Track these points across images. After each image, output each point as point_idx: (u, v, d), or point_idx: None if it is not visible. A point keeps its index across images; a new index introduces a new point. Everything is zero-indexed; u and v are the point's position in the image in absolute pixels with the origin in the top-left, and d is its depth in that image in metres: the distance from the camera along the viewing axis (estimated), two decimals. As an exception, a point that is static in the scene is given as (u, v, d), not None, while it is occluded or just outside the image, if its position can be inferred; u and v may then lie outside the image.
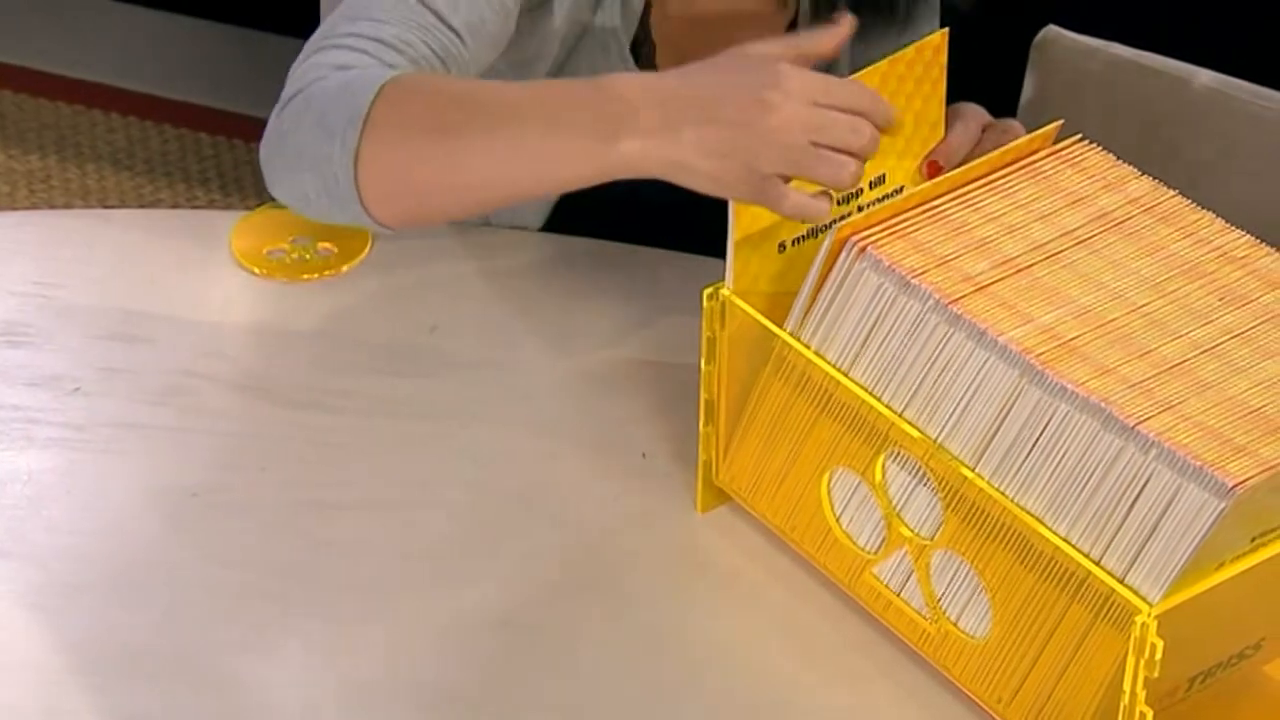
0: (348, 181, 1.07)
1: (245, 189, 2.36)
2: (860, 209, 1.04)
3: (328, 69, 1.10)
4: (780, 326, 1.00)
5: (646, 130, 0.99)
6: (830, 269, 0.97)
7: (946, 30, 1.04)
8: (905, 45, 1.04)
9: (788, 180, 0.97)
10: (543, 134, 1.03)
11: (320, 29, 1.13)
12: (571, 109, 1.03)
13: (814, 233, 1.03)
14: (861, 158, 0.97)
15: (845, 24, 1.03)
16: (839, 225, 0.97)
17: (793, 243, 1.02)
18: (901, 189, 1.05)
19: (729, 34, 1.09)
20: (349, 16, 1.13)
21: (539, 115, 1.04)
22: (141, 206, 2.33)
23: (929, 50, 1.03)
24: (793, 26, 1.29)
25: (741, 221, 0.99)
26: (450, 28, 1.13)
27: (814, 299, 0.98)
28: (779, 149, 0.96)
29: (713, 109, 0.98)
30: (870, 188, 1.04)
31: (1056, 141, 1.03)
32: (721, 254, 1.02)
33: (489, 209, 1.18)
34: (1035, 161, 1.01)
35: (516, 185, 1.07)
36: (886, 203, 0.98)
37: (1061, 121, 1.03)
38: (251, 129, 2.46)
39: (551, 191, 1.13)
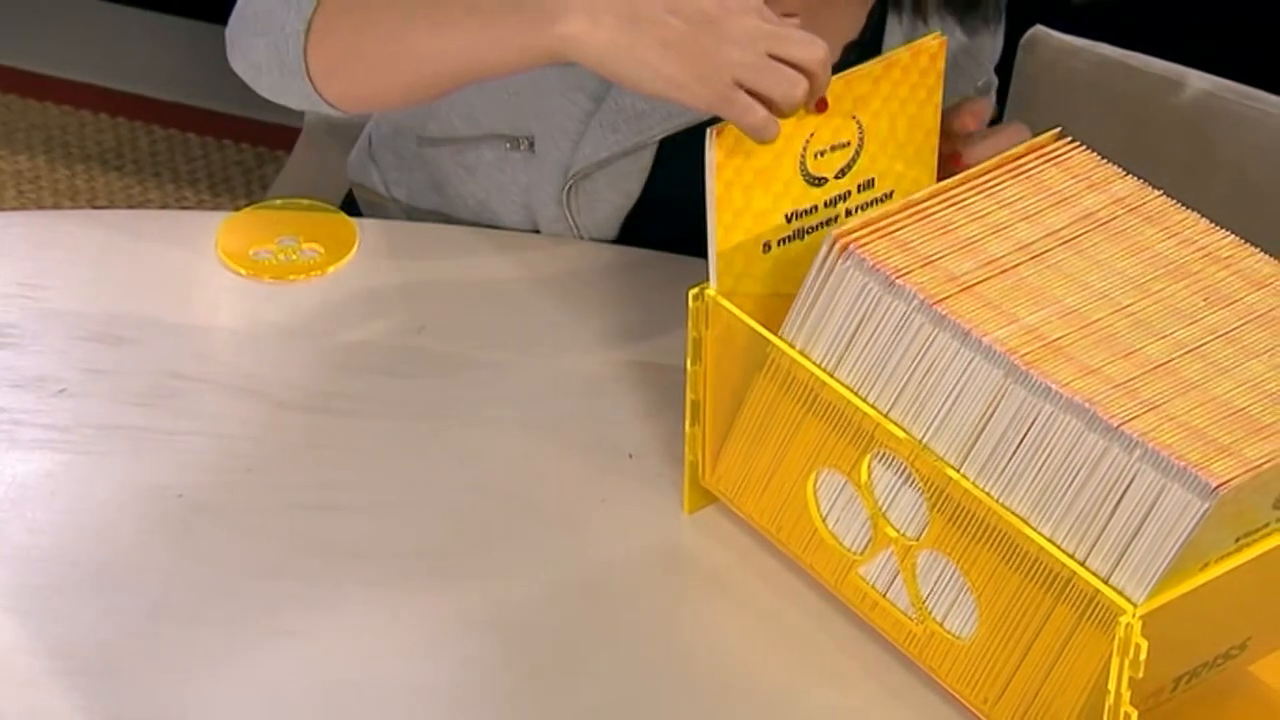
0: (297, 51, 1.08)
1: (234, 189, 2.35)
2: (849, 212, 1.03)
3: None
4: (766, 327, 0.99)
5: (602, 10, 0.98)
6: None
7: (944, 37, 1.03)
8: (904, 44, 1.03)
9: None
10: (493, 8, 1.02)
11: None
12: None
13: (800, 234, 1.02)
14: (811, 81, 0.96)
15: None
16: (835, 231, 0.96)
17: (778, 243, 1.02)
18: (891, 194, 1.04)
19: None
20: None
21: None
22: (130, 207, 2.33)
23: (925, 55, 1.02)
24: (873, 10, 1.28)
25: (723, 220, 0.99)
26: None
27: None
28: (739, 51, 0.96)
29: (675, 5, 0.97)
30: (859, 191, 1.03)
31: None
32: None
33: (433, 91, 1.11)
34: (1020, 161, 1.00)
35: (458, 60, 1.05)
36: (880, 206, 0.98)
37: (1058, 130, 1.02)
38: (241, 130, 2.46)
39: (492, 71, 1.07)
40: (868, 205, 1.03)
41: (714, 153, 0.97)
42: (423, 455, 1.12)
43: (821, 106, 0.99)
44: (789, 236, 1.02)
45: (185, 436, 1.12)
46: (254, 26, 1.11)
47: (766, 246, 1.01)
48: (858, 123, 1.01)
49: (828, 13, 1.23)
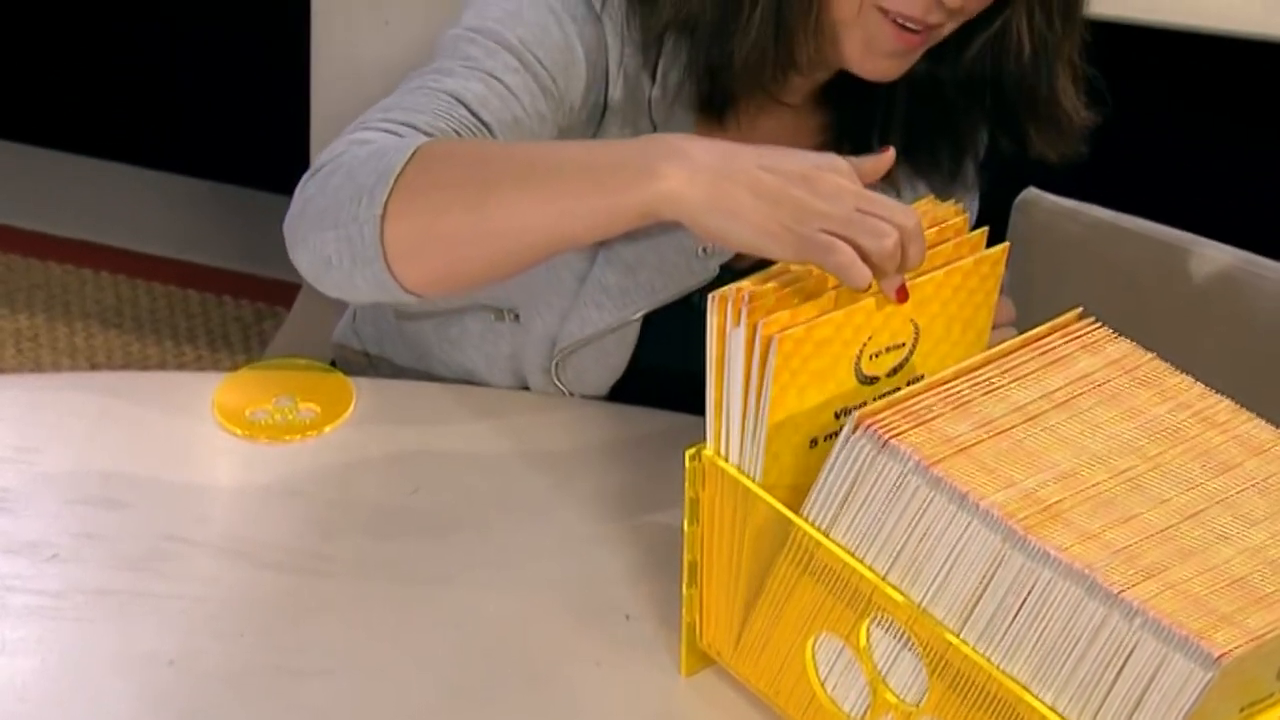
0: (373, 237, 1.05)
1: (233, 345, 2.36)
2: None
3: (358, 144, 1.10)
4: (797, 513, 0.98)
5: (697, 163, 0.98)
6: None
7: (1007, 245, 1.02)
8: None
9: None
10: (581, 170, 1.02)
11: (353, 122, 1.14)
12: (616, 148, 1.02)
13: None
14: (903, 235, 0.96)
15: (889, 155, 1.02)
16: (859, 411, 0.95)
17: (825, 439, 1.00)
18: None
19: None
20: (382, 108, 1.14)
21: (579, 156, 1.03)
22: (129, 363, 2.33)
23: (987, 263, 1.02)
24: None
25: (774, 418, 0.97)
26: (480, 120, 1.14)
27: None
28: (830, 204, 0.96)
29: (770, 160, 0.98)
30: (907, 386, 1.02)
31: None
32: None
33: (520, 263, 1.09)
34: (1043, 341, 1.00)
35: (548, 231, 1.03)
36: (907, 389, 0.97)
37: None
38: (239, 285, 2.48)
39: (582, 238, 1.05)
40: None
41: (716, 318, 0.97)
42: (417, 618, 1.11)
43: (902, 296, 0.98)
44: (835, 432, 1.00)
45: (178, 601, 1.11)
46: (321, 221, 1.08)
47: (814, 442, 1.00)
48: (914, 325, 1.01)
49: None
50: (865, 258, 0.95)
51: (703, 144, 1.00)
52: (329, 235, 1.07)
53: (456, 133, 1.12)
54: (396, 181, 1.05)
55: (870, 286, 0.96)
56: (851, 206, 0.96)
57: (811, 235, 0.95)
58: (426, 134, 1.11)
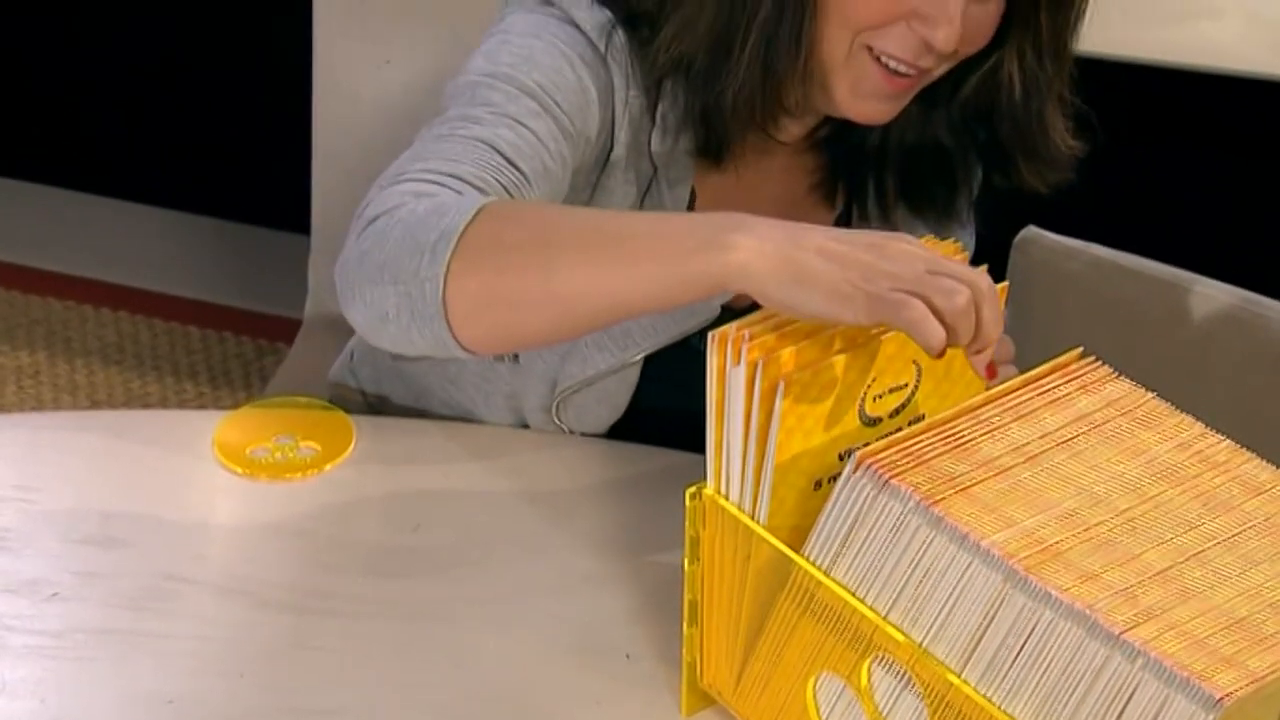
0: (435, 295, 1.04)
1: (234, 381, 2.37)
2: None
3: (409, 197, 1.08)
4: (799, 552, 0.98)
5: (766, 236, 0.97)
6: None
7: (1006, 284, 1.02)
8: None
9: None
10: (649, 239, 1.00)
11: (389, 170, 1.12)
12: (684, 219, 1.02)
13: None
14: (975, 293, 0.95)
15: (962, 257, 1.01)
16: (859, 451, 0.95)
17: (829, 480, 1.00)
18: None
19: None
20: (418, 156, 1.12)
21: (647, 225, 1.02)
22: (131, 400, 2.33)
23: None
24: (839, 221, 1.30)
25: (780, 463, 0.97)
26: (518, 169, 1.13)
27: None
28: (900, 267, 0.95)
29: (837, 233, 0.98)
30: (908, 426, 1.02)
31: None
32: None
33: (580, 329, 1.07)
34: (1042, 381, 1.00)
35: (614, 298, 1.02)
36: (908, 429, 0.97)
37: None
38: (240, 322, 2.49)
39: (647, 307, 1.03)
40: None
41: (716, 358, 0.97)
42: (418, 657, 1.11)
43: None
44: (839, 474, 0.99)
45: (177, 640, 1.11)
46: (380, 275, 1.06)
47: (818, 484, 1.00)
48: (916, 366, 1.01)
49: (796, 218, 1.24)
50: (939, 316, 0.94)
51: (770, 219, 1.00)
52: (388, 290, 1.06)
53: (501, 184, 1.11)
54: (460, 241, 1.03)
55: (944, 349, 0.95)
56: (921, 269, 0.95)
57: (882, 293, 0.94)
58: (475, 187, 1.10)
